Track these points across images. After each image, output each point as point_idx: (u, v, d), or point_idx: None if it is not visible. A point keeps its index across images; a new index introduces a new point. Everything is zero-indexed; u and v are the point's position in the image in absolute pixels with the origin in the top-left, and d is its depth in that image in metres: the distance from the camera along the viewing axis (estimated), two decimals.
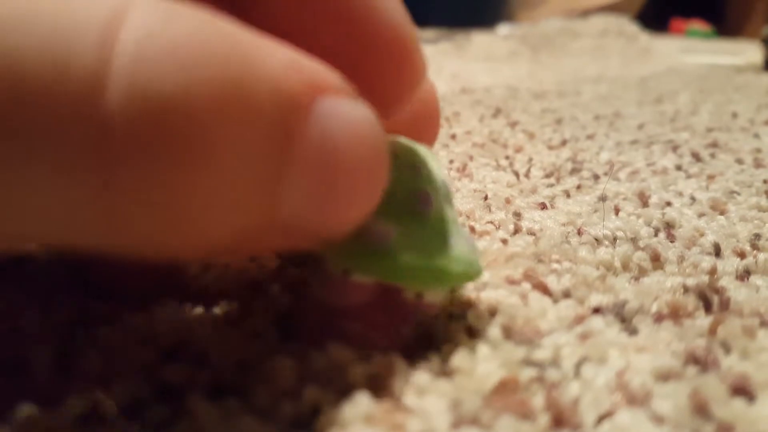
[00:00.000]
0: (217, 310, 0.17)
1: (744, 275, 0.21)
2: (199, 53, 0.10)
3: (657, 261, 0.22)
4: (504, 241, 0.23)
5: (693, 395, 0.14)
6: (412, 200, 0.16)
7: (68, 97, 0.10)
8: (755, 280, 0.21)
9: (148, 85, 0.10)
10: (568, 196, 0.30)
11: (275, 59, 0.12)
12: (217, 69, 0.10)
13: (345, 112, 0.12)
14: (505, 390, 0.14)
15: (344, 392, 0.14)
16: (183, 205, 0.10)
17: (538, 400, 0.14)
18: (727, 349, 0.16)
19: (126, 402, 0.13)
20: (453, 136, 0.43)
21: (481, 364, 0.15)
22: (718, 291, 0.19)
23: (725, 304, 0.19)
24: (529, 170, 0.35)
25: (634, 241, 0.24)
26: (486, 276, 0.20)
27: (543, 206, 0.28)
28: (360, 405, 0.13)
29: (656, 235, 0.25)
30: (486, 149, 0.40)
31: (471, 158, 0.37)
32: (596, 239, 0.24)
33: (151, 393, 0.14)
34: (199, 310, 0.17)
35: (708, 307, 0.18)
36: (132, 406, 0.13)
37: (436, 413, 0.13)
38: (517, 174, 0.34)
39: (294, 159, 0.12)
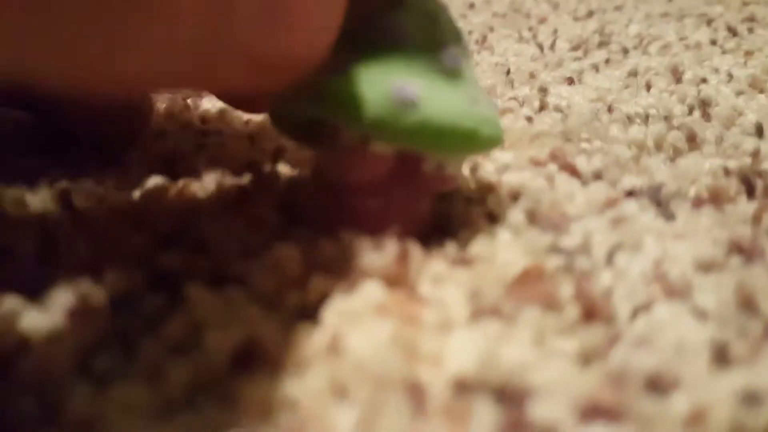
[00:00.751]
0: (214, 193, 0.16)
1: None
2: None
3: (693, 141, 0.20)
4: (529, 119, 0.21)
5: (738, 288, 0.13)
6: (437, 54, 0.14)
7: None
8: None
9: None
10: (597, 70, 0.28)
11: None
12: None
13: None
14: (528, 279, 0.13)
15: (355, 281, 0.12)
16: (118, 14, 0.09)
17: (565, 291, 0.13)
18: None
19: (117, 292, 0.12)
20: (471, 5, 0.40)
21: (503, 251, 0.14)
22: (762, 175, 0.18)
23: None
24: (554, 43, 0.32)
25: (667, 119, 0.22)
26: (509, 157, 0.18)
27: (570, 81, 0.26)
28: (371, 295, 0.12)
29: (691, 113, 0.23)
30: (507, 20, 0.37)
31: (491, 29, 0.35)
32: (628, 117, 0.22)
33: (145, 282, 0.13)
34: (194, 191, 0.16)
35: (751, 192, 0.17)
36: (124, 297, 0.12)
37: (454, 303, 0.12)
38: (541, 47, 0.32)
39: None
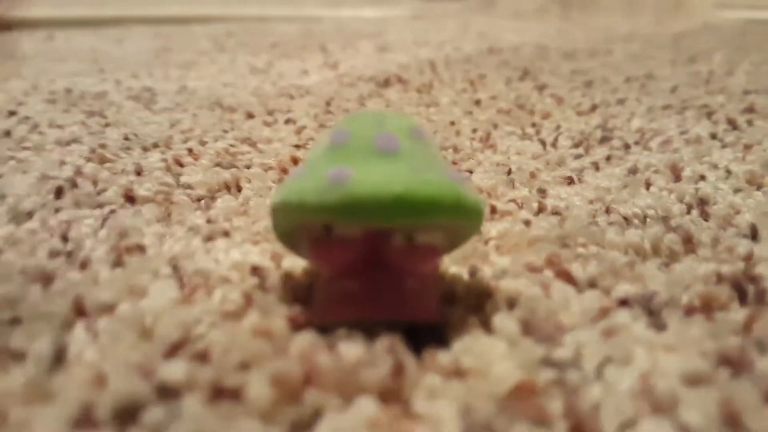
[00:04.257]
0: (218, 298, 0.17)
1: None
2: None
3: (690, 243, 0.21)
4: (527, 223, 0.21)
5: (724, 403, 0.13)
6: (371, 143, 0.16)
7: None
8: None
9: None
10: (597, 168, 0.29)
11: None
12: None
13: None
14: (521, 394, 0.13)
15: (351, 396, 0.13)
16: None
17: (556, 406, 0.13)
18: (762, 348, 0.15)
19: (122, 403, 0.13)
20: (477, 102, 0.41)
21: (498, 364, 0.14)
22: (755, 280, 0.18)
23: (761, 296, 0.17)
24: (556, 139, 0.33)
25: (665, 220, 0.23)
26: (506, 262, 0.19)
27: (570, 181, 0.27)
28: (365, 410, 0.12)
29: (689, 212, 0.24)
30: (512, 116, 0.38)
31: (495, 126, 0.36)
32: (625, 218, 0.23)
33: (151, 392, 0.13)
34: (200, 297, 0.17)
35: (743, 299, 0.17)
36: (128, 408, 0.13)
37: (446, 420, 0.13)
38: (543, 143, 0.33)
39: None
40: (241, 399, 0.13)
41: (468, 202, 0.15)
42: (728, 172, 0.28)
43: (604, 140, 0.34)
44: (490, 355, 0.15)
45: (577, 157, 0.31)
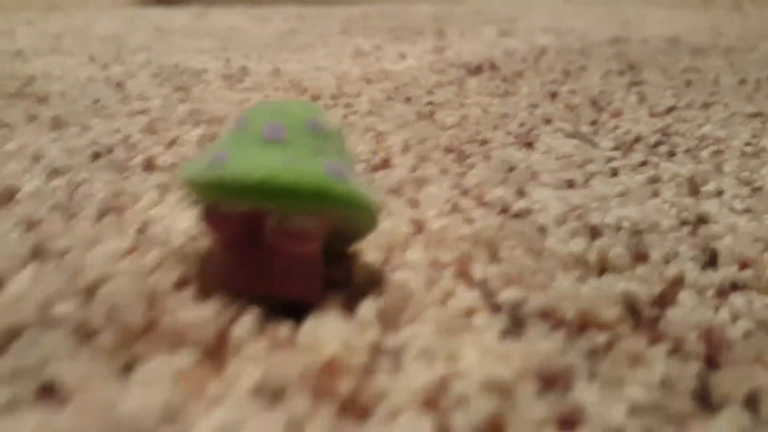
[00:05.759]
0: (151, 258, 0.19)
1: (729, 291, 0.19)
2: None
3: (639, 260, 0.20)
4: (470, 221, 0.22)
5: (491, 419, 0.13)
6: (259, 131, 0.17)
7: None
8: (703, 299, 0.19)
9: None
10: (615, 174, 0.28)
11: None
12: None
13: None
14: (329, 370, 0.15)
15: (177, 345, 0.15)
16: None
17: (347, 386, 0.14)
18: (592, 374, 0.15)
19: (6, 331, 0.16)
20: (554, 95, 0.41)
21: (327, 342, 0.16)
22: (663, 305, 0.18)
23: (654, 323, 0.17)
24: (600, 140, 0.33)
25: (637, 233, 0.22)
26: (417, 256, 0.20)
27: (571, 184, 0.27)
28: (181, 361, 0.15)
29: (680, 228, 0.23)
30: (576, 112, 0.37)
31: (549, 122, 0.35)
32: (593, 228, 0.22)
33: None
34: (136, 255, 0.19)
35: (638, 324, 0.17)
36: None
37: (242, 380, 0.14)
38: (590, 143, 0.32)
39: None
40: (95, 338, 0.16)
41: (337, 193, 0.16)
42: (756, 190, 0.26)
43: (656, 145, 0.32)
44: (327, 333, 0.16)
45: (609, 160, 0.30)
